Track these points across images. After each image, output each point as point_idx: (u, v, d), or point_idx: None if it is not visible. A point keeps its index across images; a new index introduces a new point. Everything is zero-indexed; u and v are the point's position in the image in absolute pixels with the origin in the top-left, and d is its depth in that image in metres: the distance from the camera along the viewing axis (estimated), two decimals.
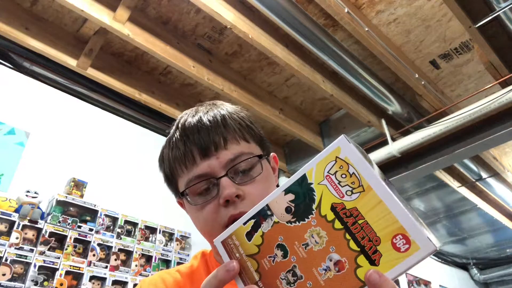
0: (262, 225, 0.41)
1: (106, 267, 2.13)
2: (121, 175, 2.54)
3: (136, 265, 2.27)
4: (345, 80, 2.69)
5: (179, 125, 0.64)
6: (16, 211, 1.93)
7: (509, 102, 2.37)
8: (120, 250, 2.24)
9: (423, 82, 2.69)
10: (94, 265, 2.09)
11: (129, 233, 2.35)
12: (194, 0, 2.08)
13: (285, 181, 0.41)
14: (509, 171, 3.76)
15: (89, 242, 2.12)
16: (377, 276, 0.35)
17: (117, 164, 2.56)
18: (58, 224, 2.03)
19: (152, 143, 2.87)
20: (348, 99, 2.85)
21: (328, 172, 0.39)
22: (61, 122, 2.43)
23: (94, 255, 2.12)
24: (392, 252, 0.35)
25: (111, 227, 2.28)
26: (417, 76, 2.64)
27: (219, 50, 2.69)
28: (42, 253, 1.93)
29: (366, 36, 2.30)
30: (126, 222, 2.36)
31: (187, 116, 0.64)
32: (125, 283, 2.18)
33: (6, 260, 1.82)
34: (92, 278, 2.06)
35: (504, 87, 2.47)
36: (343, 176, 0.38)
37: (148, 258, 2.35)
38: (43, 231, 1.97)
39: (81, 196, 2.21)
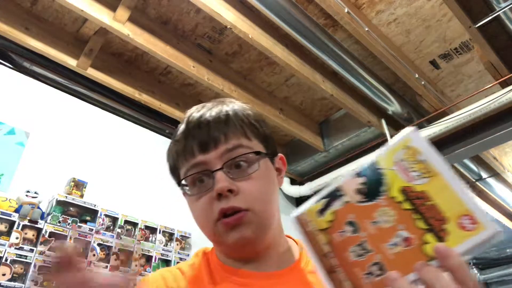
0: (334, 203, 0.45)
1: (106, 267, 2.13)
2: (121, 175, 2.54)
3: (136, 265, 2.27)
4: (345, 80, 2.69)
5: (185, 119, 0.65)
6: (16, 211, 1.93)
7: (509, 102, 2.37)
8: (120, 250, 2.24)
9: (423, 82, 2.69)
10: (94, 265, 2.08)
11: (129, 233, 2.35)
12: (194, 0, 2.08)
13: (356, 166, 0.45)
14: (509, 171, 3.76)
15: (89, 242, 2.12)
16: (445, 249, 0.37)
17: (117, 164, 2.56)
18: (58, 224, 2.03)
19: (152, 143, 2.87)
20: (348, 99, 2.85)
21: (398, 159, 0.43)
22: (61, 122, 2.43)
23: (94, 255, 2.12)
24: (458, 231, 0.38)
25: (111, 227, 2.28)
26: (417, 76, 2.64)
27: (219, 50, 2.69)
28: (42, 253, 1.93)
29: (366, 36, 2.30)
30: (126, 222, 2.36)
31: (193, 111, 0.66)
32: None
33: (6, 260, 1.81)
34: None
35: (504, 87, 2.47)
36: (413, 162, 0.42)
37: (148, 258, 2.35)
38: (43, 231, 1.97)
39: (81, 196, 2.21)
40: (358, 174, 0.45)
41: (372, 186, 0.43)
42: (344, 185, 0.45)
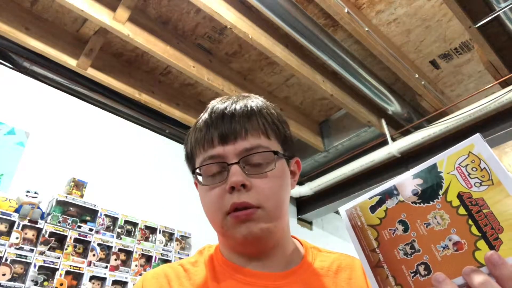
0: (387, 201, 0.46)
1: (106, 267, 2.13)
2: (121, 175, 2.54)
3: (136, 265, 2.27)
4: (345, 80, 2.69)
5: (208, 109, 0.65)
6: (16, 211, 1.93)
7: (509, 102, 2.37)
8: (120, 250, 2.24)
9: (423, 82, 2.69)
10: (94, 265, 2.09)
11: (129, 233, 2.35)
12: (194, 0, 2.08)
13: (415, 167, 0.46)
14: (509, 171, 3.76)
15: (89, 242, 2.12)
16: (497, 258, 0.37)
17: (117, 164, 2.56)
18: (58, 224, 2.03)
19: (152, 143, 2.87)
20: (348, 99, 2.84)
21: (459, 164, 0.43)
22: (61, 122, 2.43)
23: (94, 255, 2.12)
24: None
25: (111, 227, 2.28)
26: (417, 76, 2.64)
27: (219, 50, 2.69)
28: (42, 253, 1.93)
29: (366, 36, 2.30)
30: (126, 222, 2.36)
31: (217, 102, 0.66)
32: (125, 283, 2.18)
33: (6, 260, 1.81)
34: (92, 278, 2.06)
35: (504, 87, 2.47)
36: (474, 169, 0.42)
37: (148, 258, 2.35)
38: (43, 231, 1.97)
39: (81, 196, 2.21)
40: (415, 175, 0.45)
41: (429, 189, 0.44)
42: (400, 185, 0.46)
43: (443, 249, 0.41)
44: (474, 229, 0.40)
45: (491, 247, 0.39)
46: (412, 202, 0.44)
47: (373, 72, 2.65)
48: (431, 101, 2.88)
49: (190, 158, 0.67)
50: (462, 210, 0.41)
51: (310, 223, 3.79)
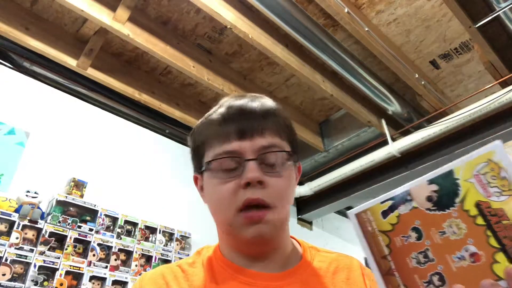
0: (399, 207, 0.44)
1: (106, 267, 2.13)
2: (121, 175, 2.54)
3: (136, 265, 2.27)
4: (345, 80, 2.69)
5: (223, 104, 0.65)
6: (16, 211, 1.93)
7: (509, 102, 2.37)
8: (120, 250, 2.24)
9: (423, 82, 2.69)
10: (94, 265, 2.09)
11: (129, 233, 2.35)
12: (194, 0, 2.08)
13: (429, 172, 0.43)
14: None
15: (89, 242, 2.12)
16: None
17: (117, 164, 2.56)
18: (58, 224, 2.03)
19: (152, 143, 2.87)
20: (348, 99, 2.84)
21: (477, 172, 0.41)
22: (61, 122, 2.43)
23: (94, 255, 2.12)
24: None
25: (111, 227, 2.28)
26: (417, 76, 2.64)
27: (219, 50, 2.69)
28: (42, 253, 1.93)
29: (366, 36, 2.30)
30: (126, 222, 2.36)
31: (232, 99, 0.65)
32: (125, 283, 2.18)
33: (6, 260, 1.81)
34: (92, 278, 2.06)
35: (504, 87, 2.47)
36: (493, 178, 0.40)
37: (148, 258, 2.35)
38: (43, 231, 1.97)
39: (81, 196, 2.21)
40: (431, 181, 0.43)
41: (445, 196, 0.42)
42: (414, 190, 0.44)
43: (459, 260, 0.40)
44: (492, 241, 0.39)
45: (511, 260, 0.37)
46: (427, 209, 0.43)
47: (373, 72, 2.65)
48: (431, 101, 2.88)
49: (197, 152, 0.66)
50: (480, 220, 0.40)
51: (310, 223, 3.79)
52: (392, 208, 0.44)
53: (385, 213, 0.44)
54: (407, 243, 0.43)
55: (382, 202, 0.45)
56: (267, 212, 0.58)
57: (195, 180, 0.68)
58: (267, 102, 0.65)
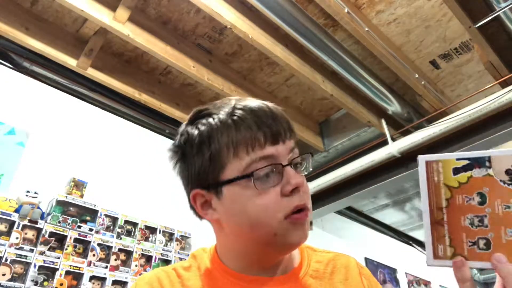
0: (474, 169, 0.43)
1: (106, 267, 2.13)
2: (121, 175, 2.54)
3: (136, 265, 2.27)
4: (345, 80, 2.69)
5: (237, 108, 0.58)
6: (16, 211, 1.93)
7: (509, 102, 2.37)
8: (120, 250, 2.24)
9: (423, 82, 2.69)
10: (94, 265, 2.09)
11: (129, 233, 2.35)
12: (194, 0, 2.08)
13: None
14: None
15: (89, 242, 2.12)
16: None
17: (117, 164, 2.56)
18: (58, 224, 2.03)
19: (152, 143, 2.87)
20: (348, 99, 2.84)
21: None
22: (61, 122, 2.43)
23: (94, 255, 2.12)
24: None
25: (111, 227, 2.28)
26: (417, 76, 2.64)
27: (219, 50, 2.69)
28: (42, 253, 1.93)
29: (366, 36, 2.30)
30: (126, 222, 2.36)
31: (245, 102, 0.60)
32: (125, 283, 2.18)
33: (6, 260, 1.81)
34: (92, 278, 2.06)
35: (504, 87, 2.47)
36: None
37: (148, 258, 2.35)
38: (43, 231, 1.97)
39: (81, 196, 2.21)
40: None
41: None
42: (496, 159, 0.43)
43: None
44: None
45: None
46: (501, 181, 0.42)
47: (373, 72, 2.65)
48: (431, 101, 2.88)
49: (214, 161, 0.57)
50: None
51: (310, 223, 3.78)
52: (466, 168, 0.44)
53: (456, 170, 0.44)
54: (467, 204, 0.43)
55: (458, 159, 0.44)
56: (307, 212, 0.58)
57: (195, 196, 0.61)
58: (275, 105, 0.63)
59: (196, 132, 0.59)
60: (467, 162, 0.44)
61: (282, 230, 0.56)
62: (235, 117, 0.57)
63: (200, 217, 0.64)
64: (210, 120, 0.59)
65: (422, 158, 0.46)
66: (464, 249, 0.43)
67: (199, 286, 0.61)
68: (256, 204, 0.55)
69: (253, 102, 0.60)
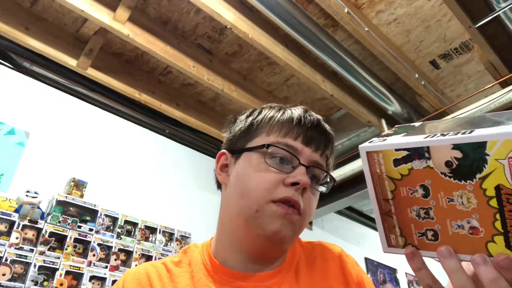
0: (414, 161, 0.41)
1: (106, 267, 2.13)
2: (121, 175, 2.54)
3: (136, 265, 2.27)
4: (345, 80, 2.69)
5: (297, 109, 0.66)
6: (16, 211, 1.93)
7: (509, 102, 2.37)
8: (120, 250, 2.24)
9: (423, 82, 2.69)
10: (94, 265, 2.09)
11: (129, 233, 2.35)
12: (194, 0, 2.08)
13: (457, 136, 0.39)
14: None
15: (89, 242, 2.12)
16: (508, 262, 0.36)
17: (117, 164, 2.56)
18: (58, 224, 2.03)
19: (152, 143, 2.87)
20: (348, 99, 2.85)
21: None
22: (61, 122, 2.43)
23: (94, 255, 2.12)
24: None
25: (111, 227, 2.28)
26: (417, 76, 2.64)
27: (219, 50, 2.69)
28: (42, 253, 1.93)
29: (366, 36, 2.30)
30: (126, 222, 2.36)
31: (305, 108, 0.67)
32: None
33: (6, 260, 1.81)
34: (92, 278, 2.06)
35: (504, 87, 2.47)
36: None
37: (148, 258, 2.35)
38: (43, 231, 1.97)
39: (81, 196, 2.21)
40: (456, 146, 0.39)
41: (466, 167, 0.38)
42: (434, 150, 0.40)
43: (457, 227, 0.40)
44: (498, 224, 0.38)
45: (508, 245, 0.37)
46: (442, 173, 0.40)
47: (373, 72, 2.65)
48: (431, 101, 2.88)
49: (250, 130, 0.65)
50: (494, 203, 0.38)
51: (310, 223, 3.79)
52: (405, 160, 0.41)
53: (397, 162, 0.42)
54: (412, 196, 0.42)
55: (397, 150, 0.42)
56: (298, 213, 0.59)
57: (220, 156, 0.68)
58: (331, 130, 0.68)
59: (253, 110, 0.69)
60: (406, 153, 0.41)
61: (264, 210, 0.58)
62: (287, 110, 0.65)
63: (217, 180, 0.69)
64: (272, 108, 0.68)
65: (362, 148, 0.43)
66: (414, 239, 0.42)
67: (189, 283, 0.61)
68: (257, 176, 0.60)
69: (314, 114, 0.67)
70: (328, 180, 0.65)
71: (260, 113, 0.67)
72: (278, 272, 0.62)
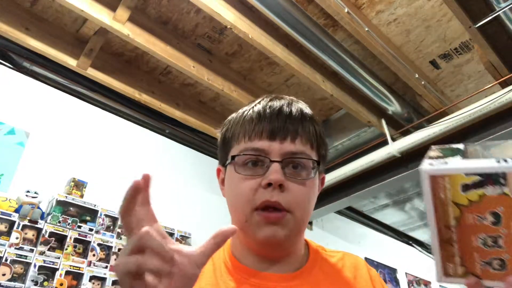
0: (487, 187, 0.38)
1: (106, 267, 2.13)
2: (121, 175, 2.54)
3: None
4: (345, 80, 2.69)
5: (260, 103, 0.65)
6: (16, 211, 1.93)
7: (509, 102, 2.37)
8: (120, 250, 2.24)
9: (423, 82, 2.69)
10: (94, 265, 2.09)
11: None
12: (194, 0, 2.08)
13: None
14: None
15: (89, 242, 2.12)
16: None
17: (117, 164, 2.56)
18: (58, 224, 2.03)
19: (152, 143, 2.87)
20: (348, 99, 2.84)
21: None
22: (61, 122, 2.43)
23: (94, 255, 2.12)
24: None
25: (111, 227, 2.28)
26: (417, 76, 2.64)
27: (219, 50, 2.69)
28: (42, 253, 1.93)
29: (366, 36, 2.30)
30: None
31: (270, 98, 0.66)
32: None
33: (6, 260, 1.81)
34: (92, 278, 2.06)
35: (504, 87, 2.47)
36: None
37: None
38: (43, 231, 1.97)
39: (81, 196, 2.21)
40: None
41: None
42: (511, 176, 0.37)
43: None
44: None
45: None
46: None
47: (373, 72, 2.65)
48: (431, 101, 2.88)
49: (225, 144, 0.66)
50: None
51: (310, 223, 3.79)
52: (476, 185, 0.38)
53: (466, 187, 0.39)
54: (479, 223, 0.39)
55: (467, 175, 0.38)
56: (285, 214, 0.57)
57: (218, 172, 0.69)
58: (304, 108, 0.65)
59: (226, 120, 0.69)
60: (478, 178, 0.38)
61: (251, 220, 0.58)
62: (248, 111, 0.64)
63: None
64: (239, 111, 0.67)
65: (425, 172, 0.40)
66: (477, 268, 0.40)
67: (211, 277, 0.61)
68: (237, 187, 0.60)
69: (277, 102, 0.64)
70: (315, 161, 0.61)
71: (229, 121, 0.67)
72: (298, 275, 0.62)
